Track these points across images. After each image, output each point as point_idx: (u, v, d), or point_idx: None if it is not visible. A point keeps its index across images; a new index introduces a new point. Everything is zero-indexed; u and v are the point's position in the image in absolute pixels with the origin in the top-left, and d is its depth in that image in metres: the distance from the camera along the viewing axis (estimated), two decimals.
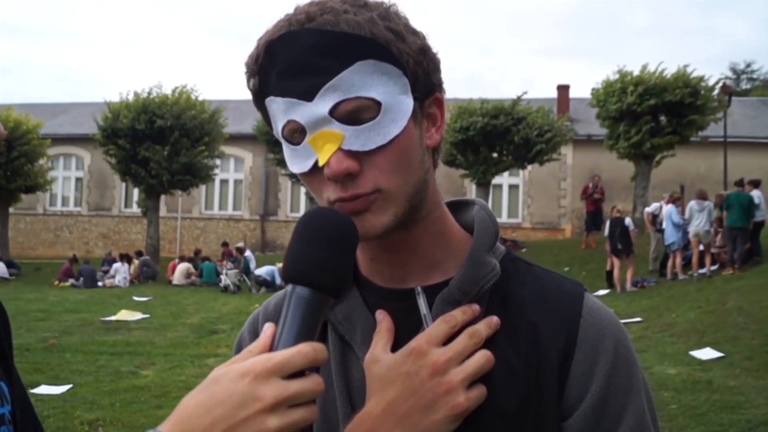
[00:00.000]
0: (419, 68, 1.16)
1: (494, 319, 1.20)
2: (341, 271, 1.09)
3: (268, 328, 1.05)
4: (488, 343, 1.18)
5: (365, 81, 1.12)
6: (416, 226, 1.23)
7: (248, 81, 1.19)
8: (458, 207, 1.40)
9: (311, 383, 1.01)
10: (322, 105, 1.12)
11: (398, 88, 1.14)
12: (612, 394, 1.17)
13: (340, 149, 1.13)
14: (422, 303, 1.23)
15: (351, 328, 1.27)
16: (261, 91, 1.18)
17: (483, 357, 1.16)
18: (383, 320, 1.23)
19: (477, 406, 1.15)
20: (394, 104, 1.13)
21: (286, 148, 1.20)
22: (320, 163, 1.13)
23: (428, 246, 1.27)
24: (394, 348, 1.19)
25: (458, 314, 1.19)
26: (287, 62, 1.13)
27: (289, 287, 1.06)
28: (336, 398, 1.24)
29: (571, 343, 1.20)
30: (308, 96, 1.12)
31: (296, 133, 1.16)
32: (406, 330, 1.21)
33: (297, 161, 1.18)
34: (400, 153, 1.15)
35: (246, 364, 0.99)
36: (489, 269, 1.24)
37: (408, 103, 1.15)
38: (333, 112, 1.12)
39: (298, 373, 1.00)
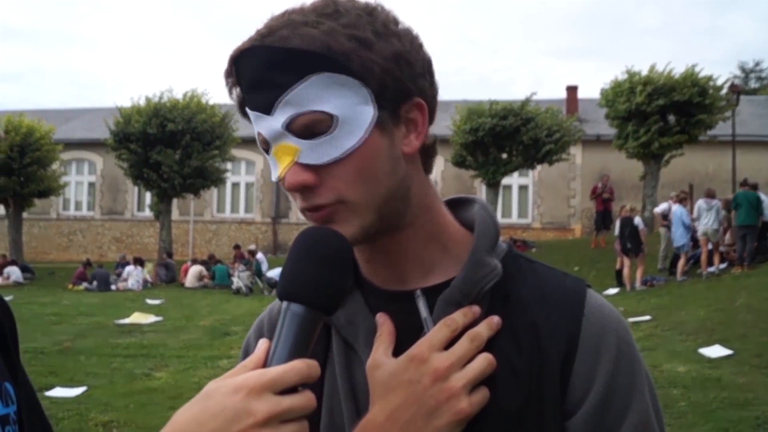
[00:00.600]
0: (388, 75, 1.14)
1: (495, 319, 1.20)
2: (335, 289, 1.10)
3: (262, 344, 1.07)
4: (490, 344, 1.18)
5: (319, 94, 1.12)
6: (401, 232, 1.24)
7: (230, 92, 1.21)
8: (459, 205, 1.38)
9: (303, 399, 1.01)
10: (278, 119, 1.14)
11: (357, 99, 1.13)
12: (615, 392, 1.16)
13: (296, 162, 1.14)
14: (422, 306, 1.23)
15: (353, 332, 1.26)
16: (241, 102, 1.20)
17: (484, 360, 1.16)
18: (384, 324, 1.23)
19: (481, 409, 1.16)
20: (350, 116, 1.13)
21: (265, 156, 1.23)
22: (279, 177, 1.16)
23: (421, 248, 1.26)
24: (396, 351, 1.19)
25: (459, 317, 1.19)
26: (249, 76, 1.15)
27: (284, 304, 1.07)
28: (341, 402, 1.24)
29: (573, 342, 1.19)
30: (267, 110, 1.14)
31: (264, 144, 1.19)
32: (407, 333, 1.21)
33: (272, 170, 1.20)
34: (360, 164, 1.14)
35: (239, 379, 1.00)
36: (489, 270, 1.23)
37: (368, 113, 1.14)
38: (288, 126, 1.13)
39: (291, 389, 1.01)
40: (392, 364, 1.17)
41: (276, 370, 1.00)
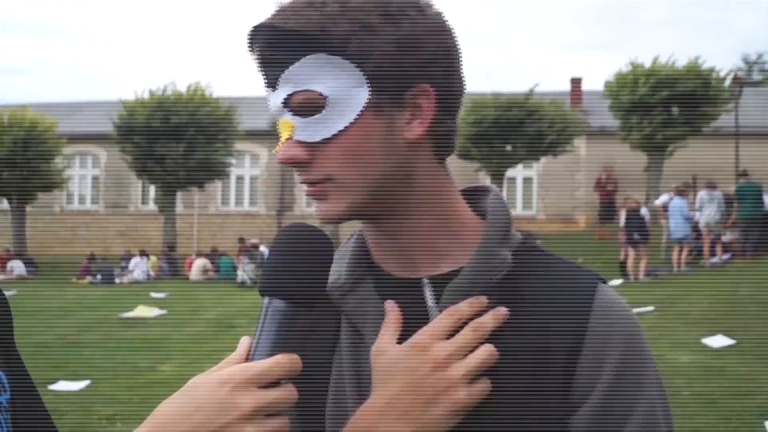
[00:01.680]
0: (387, 59, 1.14)
1: (502, 311, 1.19)
2: (315, 285, 1.12)
3: (244, 341, 1.08)
4: (496, 336, 1.17)
5: (314, 74, 1.14)
6: (406, 217, 1.24)
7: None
8: (475, 194, 1.38)
9: (286, 393, 1.03)
10: (279, 95, 1.17)
11: (352, 81, 1.14)
12: (620, 390, 1.15)
13: (290, 138, 1.17)
14: (428, 295, 1.23)
15: (362, 318, 1.26)
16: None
17: (486, 352, 1.15)
18: (391, 311, 1.22)
19: (482, 400, 1.15)
20: (343, 97, 1.14)
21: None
22: (275, 151, 1.19)
23: (430, 236, 1.26)
24: (403, 339, 1.19)
25: (464, 307, 1.18)
26: (259, 53, 1.19)
27: (266, 300, 1.09)
28: (346, 387, 1.25)
29: (579, 338, 1.17)
30: (273, 86, 1.18)
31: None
32: (414, 320, 1.20)
33: None
34: (350, 145, 1.16)
35: (225, 373, 1.02)
36: (499, 261, 1.22)
37: (362, 96, 1.15)
38: (286, 102, 1.17)
39: (273, 383, 1.02)
40: (394, 351, 1.17)
41: (261, 365, 1.02)
